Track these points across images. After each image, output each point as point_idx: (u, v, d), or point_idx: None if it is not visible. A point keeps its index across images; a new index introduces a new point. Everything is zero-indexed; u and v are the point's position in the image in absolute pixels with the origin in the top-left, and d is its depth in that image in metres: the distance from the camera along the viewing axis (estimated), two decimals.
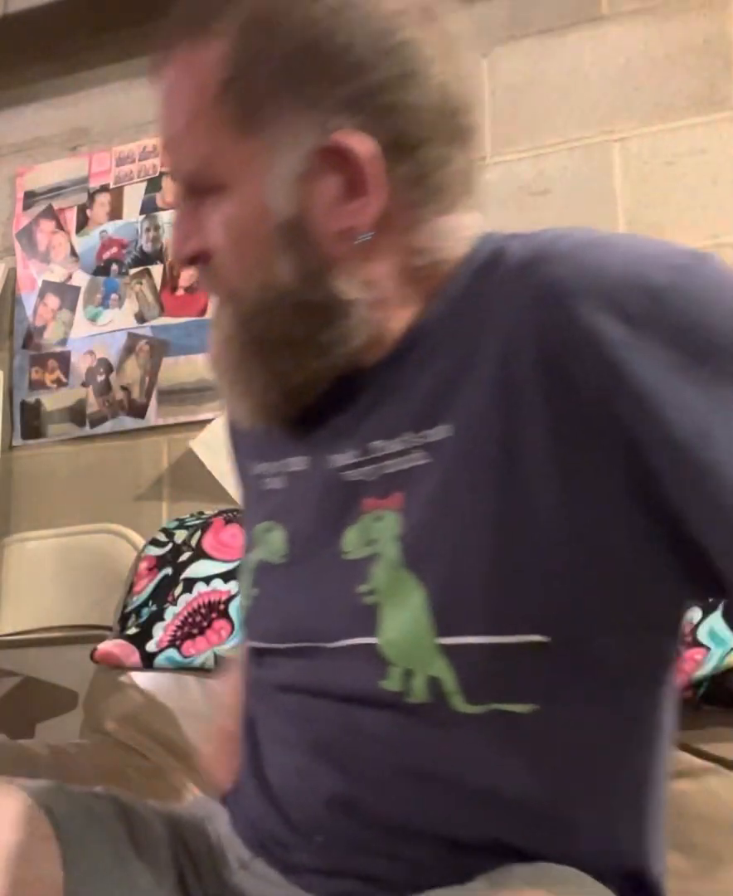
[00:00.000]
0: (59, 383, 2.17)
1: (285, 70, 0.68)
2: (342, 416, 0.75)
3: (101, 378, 2.13)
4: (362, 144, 0.68)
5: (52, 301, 2.21)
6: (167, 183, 2.10)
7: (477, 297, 0.70)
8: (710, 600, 0.72)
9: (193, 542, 1.66)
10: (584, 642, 0.66)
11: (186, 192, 0.73)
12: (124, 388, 2.10)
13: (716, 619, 1.21)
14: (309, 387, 0.73)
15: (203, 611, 1.56)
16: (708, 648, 1.20)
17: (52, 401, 2.17)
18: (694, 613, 1.22)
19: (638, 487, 0.62)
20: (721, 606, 1.21)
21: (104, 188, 2.20)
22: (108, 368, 2.12)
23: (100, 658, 1.57)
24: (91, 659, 1.58)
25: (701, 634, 1.21)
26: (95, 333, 2.16)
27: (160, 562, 1.67)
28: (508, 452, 0.65)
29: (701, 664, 1.19)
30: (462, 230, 0.72)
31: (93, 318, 2.17)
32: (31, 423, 2.18)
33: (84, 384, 2.14)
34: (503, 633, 0.65)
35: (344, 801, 0.71)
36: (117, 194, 2.18)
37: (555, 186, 1.85)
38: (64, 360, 2.17)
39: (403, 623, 0.68)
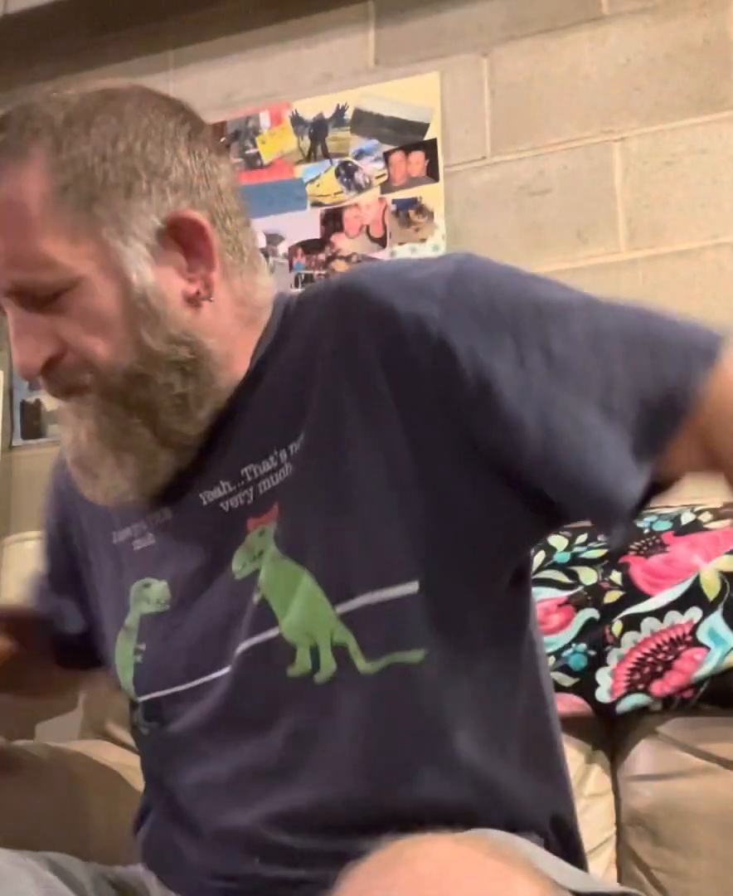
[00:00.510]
0: None
1: (105, 171, 0.76)
2: (208, 455, 0.82)
3: None
4: (202, 218, 0.78)
5: None
6: None
7: (301, 325, 0.82)
8: (552, 529, 0.80)
9: None
10: (450, 589, 0.75)
11: (27, 303, 0.77)
12: None
13: (716, 619, 1.21)
14: (195, 436, 0.81)
15: None
16: (708, 648, 1.20)
17: (53, 401, 2.17)
18: (694, 613, 1.22)
19: (471, 441, 0.73)
20: (721, 607, 1.21)
21: None
22: None
23: None
24: None
25: (701, 634, 1.21)
26: None
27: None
28: (356, 433, 0.75)
29: (701, 664, 1.19)
30: (267, 280, 0.85)
31: None
32: (31, 423, 2.18)
33: None
34: (385, 586, 0.74)
35: (283, 812, 0.75)
36: None
37: (555, 186, 1.85)
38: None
39: (300, 604, 0.75)
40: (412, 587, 0.74)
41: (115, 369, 0.77)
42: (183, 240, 0.78)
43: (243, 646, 0.77)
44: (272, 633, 0.76)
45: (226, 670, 0.79)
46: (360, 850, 0.57)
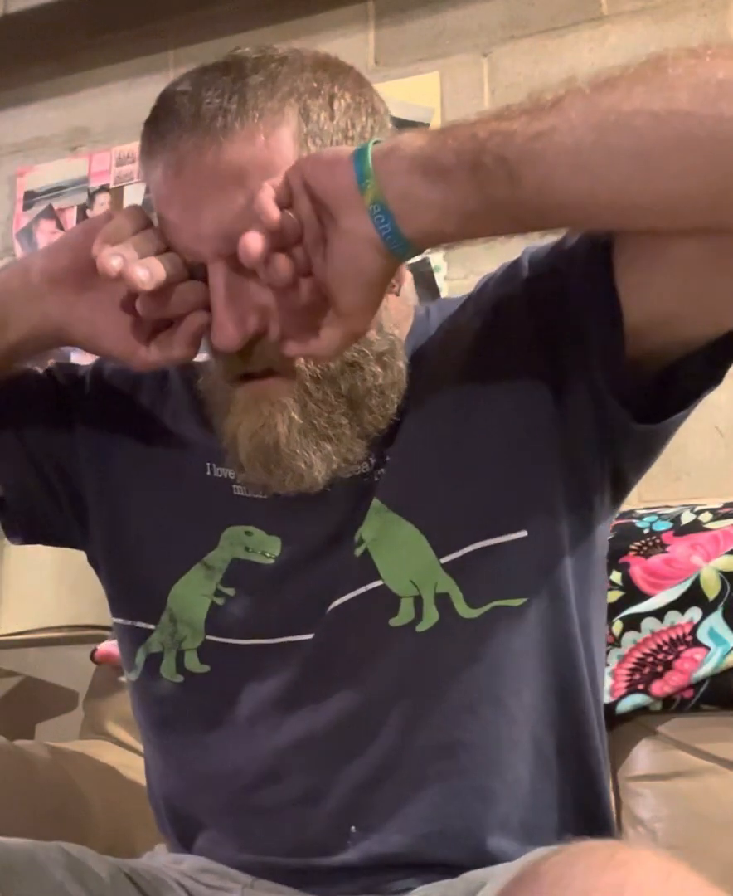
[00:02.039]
0: None
1: (345, 135, 0.74)
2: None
3: None
4: None
5: None
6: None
7: (441, 326, 0.85)
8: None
9: None
10: (554, 533, 0.78)
11: (245, 272, 0.71)
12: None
13: (716, 619, 1.21)
14: (385, 429, 0.80)
15: None
16: (709, 648, 1.20)
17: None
18: (694, 613, 1.22)
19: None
20: (721, 607, 1.21)
21: (104, 188, 2.20)
22: None
23: (100, 658, 1.57)
24: (91, 659, 1.58)
25: (701, 634, 1.21)
26: None
27: None
28: (478, 392, 0.79)
29: (701, 664, 1.19)
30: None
31: None
32: None
33: None
34: (491, 536, 0.77)
35: (372, 775, 0.76)
36: (117, 194, 2.18)
37: None
38: (63, 360, 2.17)
39: (405, 556, 0.77)
40: (521, 534, 0.77)
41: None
42: None
43: (337, 602, 0.78)
44: (374, 584, 0.77)
45: (312, 634, 0.79)
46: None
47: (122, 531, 0.88)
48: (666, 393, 0.76)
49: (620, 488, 0.84)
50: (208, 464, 0.86)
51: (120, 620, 0.89)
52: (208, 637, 0.83)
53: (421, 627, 0.77)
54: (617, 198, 0.63)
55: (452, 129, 0.66)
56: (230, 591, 0.83)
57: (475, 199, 0.65)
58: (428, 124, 1.95)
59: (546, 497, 0.78)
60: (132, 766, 1.35)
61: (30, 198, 2.28)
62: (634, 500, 1.58)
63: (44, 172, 2.28)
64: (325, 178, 0.67)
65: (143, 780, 0.93)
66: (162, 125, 0.74)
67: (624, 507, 1.51)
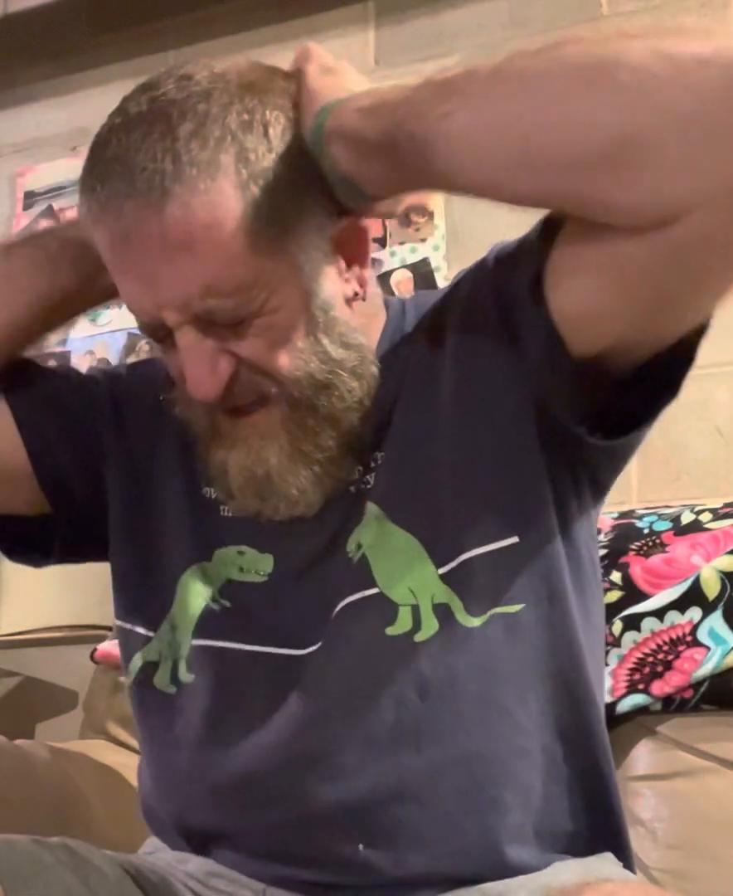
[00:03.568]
0: None
1: (283, 178, 0.72)
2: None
3: None
4: (360, 219, 0.77)
5: None
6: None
7: (417, 323, 0.84)
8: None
9: None
10: (544, 536, 0.78)
11: (208, 328, 0.73)
12: None
13: (717, 619, 1.21)
14: (371, 438, 0.80)
15: None
16: (709, 648, 1.20)
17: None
18: (694, 613, 1.22)
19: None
20: (721, 607, 1.21)
21: None
22: None
23: (100, 658, 1.57)
24: (91, 659, 1.58)
25: (701, 634, 1.21)
26: (95, 334, 2.15)
27: None
28: (461, 399, 0.78)
29: (701, 664, 1.19)
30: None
31: (93, 319, 2.16)
32: None
33: None
34: (484, 543, 0.76)
35: (376, 791, 0.75)
36: None
37: None
38: (64, 360, 2.17)
39: (403, 564, 0.77)
40: (512, 540, 0.77)
41: (301, 380, 0.76)
42: (344, 241, 0.77)
43: (341, 603, 0.78)
44: (370, 591, 0.77)
45: (318, 645, 0.78)
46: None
47: (132, 533, 0.89)
48: (625, 407, 0.75)
49: (598, 489, 0.84)
50: (201, 482, 0.86)
51: (122, 624, 0.89)
52: (195, 642, 0.83)
53: (419, 637, 0.76)
54: (505, 189, 0.67)
55: (384, 100, 0.70)
56: (226, 603, 0.83)
57: (400, 172, 0.70)
58: None
59: (534, 499, 0.78)
60: (132, 765, 1.35)
61: (30, 198, 2.28)
62: (634, 500, 1.58)
63: (44, 172, 2.28)
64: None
65: None
66: (100, 193, 0.71)
67: (624, 508, 1.52)
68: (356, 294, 0.79)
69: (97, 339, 2.15)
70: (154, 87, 0.73)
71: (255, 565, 0.82)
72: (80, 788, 1.28)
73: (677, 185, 0.60)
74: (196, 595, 0.83)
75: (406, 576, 0.77)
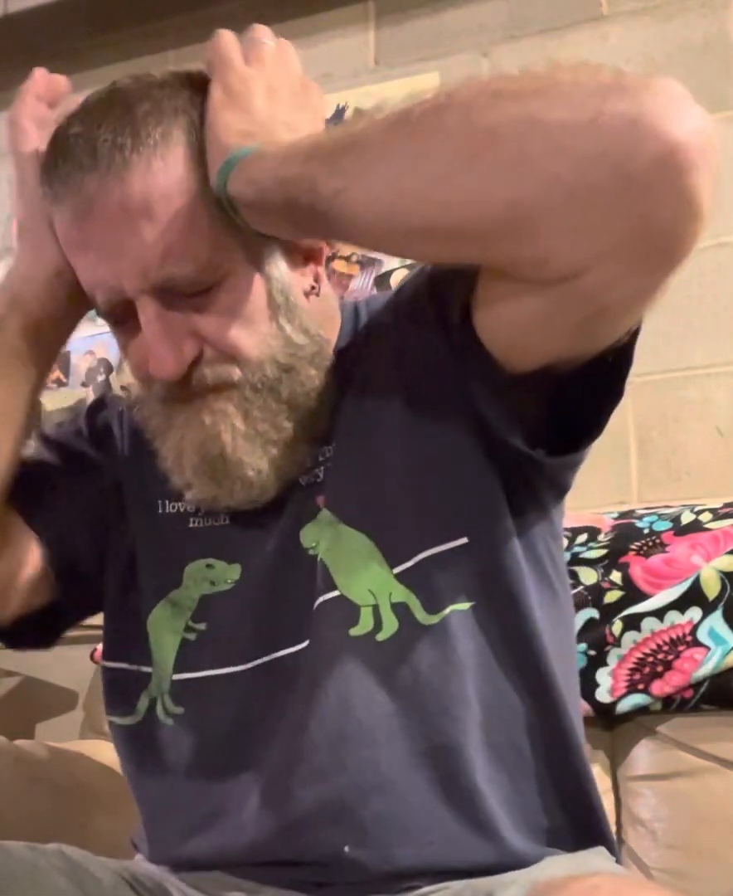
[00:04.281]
0: (59, 383, 2.16)
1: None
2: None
3: (100, 378, 2.13)
4: None
5: None
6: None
7: (372, 320, 0.86)
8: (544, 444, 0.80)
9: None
10: (495, 537, 0.79)
11: (170, 301, 0.75)
12: (124, 389, 2.09)
13: (717, 619, 1.21)
14: (326, 427, 0.82)
15: None
16: (709, 648, 1.20)
17: (52, 401, 2.16)
18: (694, 613, 1.22)
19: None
20: (721, 607, 1.21)
21: None
22: (109, 368, 2.12)
23: (100, 658, 1.57)
24: (91, 659, 1.58)
25: (701, 634, 1.21)
26: (95, 334, 2.15)
27: None
28: (406, 405, 0.80)
29: (701, 664, 1.19)
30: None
31: (92, 318, 2.16)
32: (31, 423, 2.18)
33: (84, 384, 2.14)
34: (436, 544, 0.78)
35: (355, 790, 0.75)
36: None
37: None
38: (64, 361, 2.17)
39: (360, 566, 0.78)
40: (462, 541, 0.78)
41: (264, 362, 0.77)
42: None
43: (301, 617, 0.79)
44: (332, 594, 0.78)
45: (304, 644, 0.79)
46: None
47: (114, 576, 0.90)
48: (572, 419, 0.76)
49: (558, 490, 0.84)
50: (159, 501, 0.87)
51: (123, 665, 0.89)
52: (175, 677, 0.84)
53: (380, 636, 0.77)
54: (412, 253, 0.71)
55: (276, 174, 0.69)
56: (201, 627, 0.84)
57: (307, 232, 0.74)
58: None
59: (484, 502, 0.79)
60: None
61: None
62: (634, 500, 1.58)
63: None
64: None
65: None
66: (62, 169, 0.75)
67: (624, 508, 1.52)
68: (312, 287, 0.81)
69: (97, 339, 2.15)
70: (112, 83, 0.79)
71: (225, 576, 0.83)
72: (79, 788, 1.28)
73: (572, 247, 0.62)
74: (169, 632, 0.84)
75: (364, 577, 0.78)
